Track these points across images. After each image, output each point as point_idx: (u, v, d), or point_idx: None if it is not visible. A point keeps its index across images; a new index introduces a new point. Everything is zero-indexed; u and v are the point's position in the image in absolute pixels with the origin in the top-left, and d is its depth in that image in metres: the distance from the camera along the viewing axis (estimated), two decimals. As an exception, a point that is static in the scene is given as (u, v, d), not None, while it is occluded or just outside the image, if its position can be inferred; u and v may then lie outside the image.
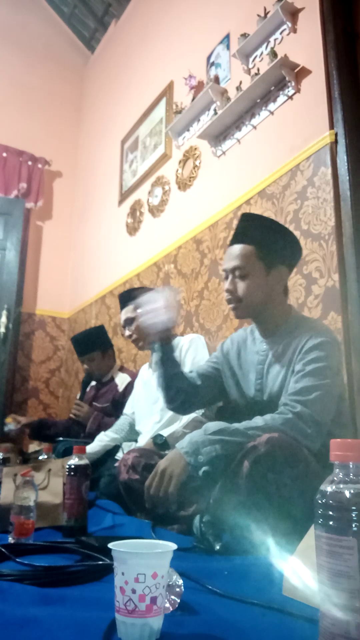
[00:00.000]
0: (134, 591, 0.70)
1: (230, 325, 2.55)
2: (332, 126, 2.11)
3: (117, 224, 3.98)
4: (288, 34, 2.42)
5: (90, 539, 1.30)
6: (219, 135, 2.83)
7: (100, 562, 1.09)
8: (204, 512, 1.42)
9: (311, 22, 2.29)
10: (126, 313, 2.46)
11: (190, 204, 3.08)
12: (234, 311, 1.59)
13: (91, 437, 2.53)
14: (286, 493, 1.28)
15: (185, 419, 2.03)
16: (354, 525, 0.59)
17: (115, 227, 4.00)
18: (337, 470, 0.64)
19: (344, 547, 0.59)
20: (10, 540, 1.33)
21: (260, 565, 1.15)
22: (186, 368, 2.05)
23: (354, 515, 0.59)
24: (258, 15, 2.52)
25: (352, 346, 1.89)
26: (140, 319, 1.59)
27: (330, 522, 0.61)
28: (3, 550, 1.14)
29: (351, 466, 0.63)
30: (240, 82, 2.60)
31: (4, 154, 4.46)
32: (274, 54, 2.37)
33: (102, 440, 2.42)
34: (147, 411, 2.28)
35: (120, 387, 2.76)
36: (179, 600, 0.83)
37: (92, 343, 2.85)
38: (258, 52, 2.60)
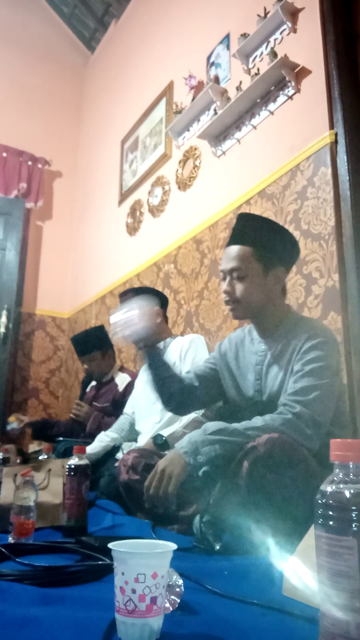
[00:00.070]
0: (134, 591, 0.70)
1: (230, 325, 2.55)
2: (332, 126, 2.11)
3: (117, 224, 3.98)
4: (288, 34, 2.42)
5: (90, 539, 1.30)
6: (219, 135, 2.83)
7: (100, 562, 1.08)
8: (203, 512, 1.42)
9: (311, 22, 2.29)
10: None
11: (190, 204, 3.08)
12: (232, 312, 1.59)
13: (91, 437, 2.53)
14: (286, 493, 1.28)
15: (185, 419, 2.03)
16: (354, 525, 0.59)
17: (115, 227, 4.00)
18: (337, 470, 0.64)
19: (344, 547, 0.59)
20: (10, 540, 1.33)
21: (260, 565, 1.14)
22: (186, 368, 2.05)
23: (354, 515, 0.59)
24: (258, 15, 2.52)
25: (352, 346, 1.89)
26: (112, 332, 1.60)
27: (330, 522, 0.61)
28: (3, 550, 1.14)
29: (351, 466, 0.63)
30: (240, 82, 2.60)
31: (4, 154, 4.46)
32: (274, 54, 2.37)
33: (102, 441, 2.42)
34: (147, 411, 2.28)
35: (121, 387, 2.76)
36: (179, 600, 0.83)
37: (92, 343, 2.85)
38: (258, 52, 2.60)
